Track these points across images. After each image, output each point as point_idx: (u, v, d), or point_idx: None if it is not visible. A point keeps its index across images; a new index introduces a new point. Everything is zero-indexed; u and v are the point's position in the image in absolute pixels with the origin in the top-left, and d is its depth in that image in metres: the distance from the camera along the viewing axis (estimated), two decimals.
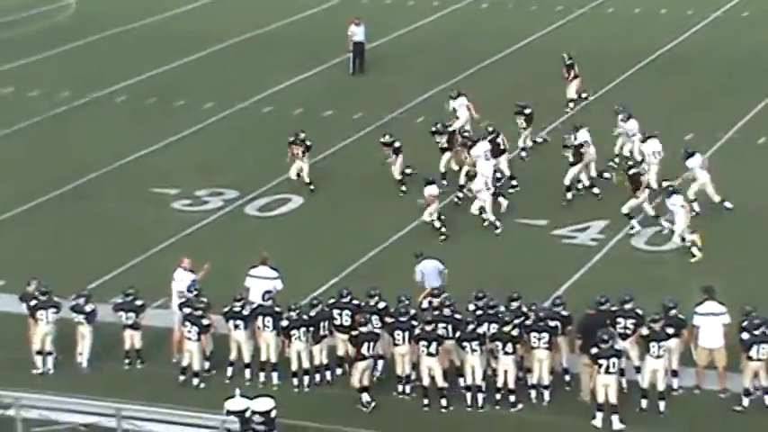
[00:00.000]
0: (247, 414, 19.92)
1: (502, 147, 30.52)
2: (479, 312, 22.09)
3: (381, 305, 22.45)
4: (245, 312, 22.64)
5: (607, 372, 20.81)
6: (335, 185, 31.35)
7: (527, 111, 32.50)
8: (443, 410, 21.71)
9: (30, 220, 29.89)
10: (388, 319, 22.19)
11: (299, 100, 37.38)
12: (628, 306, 22.01)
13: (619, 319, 21.91)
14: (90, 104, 38.09)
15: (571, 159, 29.70)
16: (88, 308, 23.09)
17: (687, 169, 28.93)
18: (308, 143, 30.48)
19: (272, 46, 43.60)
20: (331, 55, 41.19)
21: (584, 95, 36.42)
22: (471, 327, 21.70)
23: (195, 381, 22.65)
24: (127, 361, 23.20)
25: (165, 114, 37.10)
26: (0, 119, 36.52)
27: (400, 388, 22.15)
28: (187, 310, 22.61)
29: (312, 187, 30.44)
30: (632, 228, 28.15)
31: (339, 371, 22.71)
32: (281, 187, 31.18)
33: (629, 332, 21.84)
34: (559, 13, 46.77)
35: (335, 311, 22.52)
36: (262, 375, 22.59)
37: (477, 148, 29.77)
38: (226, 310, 22.71)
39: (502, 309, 22.05)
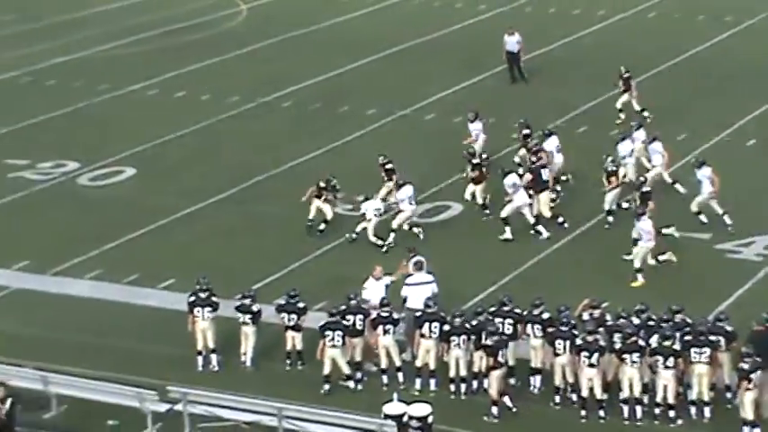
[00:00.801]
0: (405, 419, 20.16)
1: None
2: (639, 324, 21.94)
3: (545, 315, 22.45)
4: (396, 316, 22.87)
5: None
6: (496, 193, 31.36)
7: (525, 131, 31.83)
8: (601, 422, 21.61)
9: (197, 221, 30.65)
10: (550, 330, 22.21)
11: (461, 108, 37.51)
12: None
13: None
14: (257, 109, 38.93)
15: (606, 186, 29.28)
16: (254, 308, 23.62)
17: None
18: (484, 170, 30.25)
19: (434, 54, 43.87)
20: (493, 63, 41.25)
21: (645, 113, 35.60)
22: (632, 339, 21.54)
23: (351, 383, 22.97)
24: (288, 362, 23.63)
25: (328, 120, 37.69)
26: (172, 122, 37.59)
27: (557, 399, 22.14)
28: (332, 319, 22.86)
29: (487, 211, 30.13)
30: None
31: None
32: (442, 194, 31.37)
33: None
34: (727, 24, 45.95)
35: (497, 320, 22.58)
36: (418, 382, 22.76)
37: (549, 143, 30.49)
38: (374, 317, 22.92)
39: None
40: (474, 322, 22.52)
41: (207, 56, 44.49)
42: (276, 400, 21.16)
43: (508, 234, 28.67)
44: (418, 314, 22.80)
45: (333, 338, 22.63)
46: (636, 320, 22.08)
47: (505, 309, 22.65)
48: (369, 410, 20.80)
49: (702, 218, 28.76)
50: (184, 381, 22.15)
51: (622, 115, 35.73)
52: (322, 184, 29.34)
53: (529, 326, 22.50)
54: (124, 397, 21.61)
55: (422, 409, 20.28)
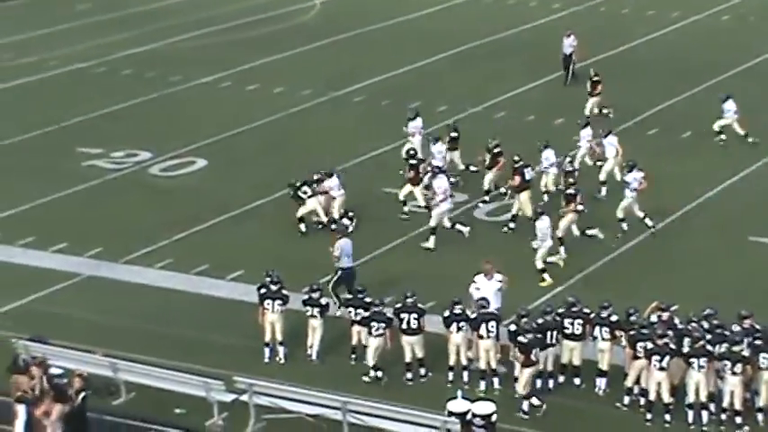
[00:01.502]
0: (468, 416, 20.17)
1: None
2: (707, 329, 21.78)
3: (614, 318, 22.34)
4: (471, 316, 22.85)
5: None
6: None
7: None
8: (666, 426, 21.48)
9: (267, 213, 30.81)
10: (618, 333, 22.11)
11: (532, 107, 37.43)
12: None
13: None
14: (329, 103, 39.12)
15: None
16: (321, 302, 23.75)
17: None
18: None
19: (507, 52, 43.80)
20: (558, 68, 41.04)
21: (605, 111, 36.21)
22: (700, 343, 21.38)
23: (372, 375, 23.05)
24: (353, 356, 23.74)
25: (398, 116, 37.68)
26: (244, 115, 37.88)
27: (626, 400, 22.03)
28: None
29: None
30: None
31: (561, 378, 22.73)
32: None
33: None
34: None
35: (566, 320, 22.51)
36: (482, 383, 22.69)
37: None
38: (447, 314, 22.94)
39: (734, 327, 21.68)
40: (540, 321, 22.47)
41: (280, 49, 44.78)
42: (341, 394, 21.26)
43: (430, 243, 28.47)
44: (474, 316, 22.75)
45: (377, 329, 22.79)
46: (705, 325, 21.91)
47: (574, 309, 22.57)
48: (431, 407, 20.83)
49: (624, 225, 28.62)
50: (250, 372, 22.34)
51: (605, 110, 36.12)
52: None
53: (597, 328, 22.40)
54: (191, 386, 21.80)
55: (486, 408, 20.27)
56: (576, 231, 28.23)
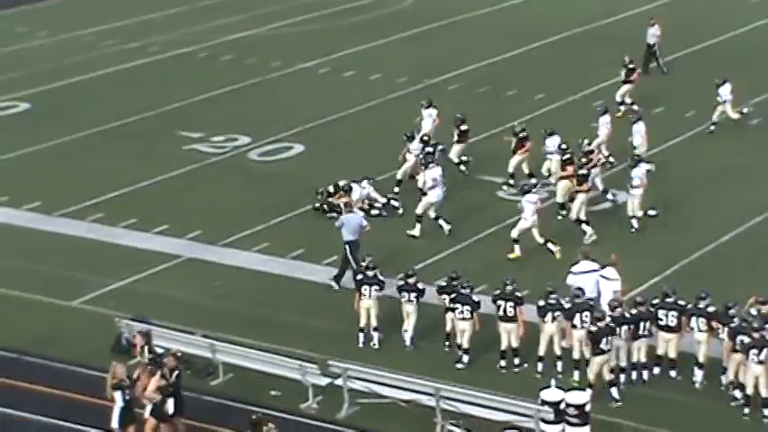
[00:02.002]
0: (562, 406, 20.19)
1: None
2: None
3: (711, 309, 22.15)
4: (566, 305, 22.82)
5: None
6: (668, 181, 31.11)
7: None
8: (765, 421, 21.29)
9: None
10: (715, 324, 21.94)
11: (632, 96, 37.07)
12: None
13: None
14: (424, 91, 39.13)
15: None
16: (418, 287, 23.87)
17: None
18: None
19: (603, 41, 43.45)
20: (664, 53, 40.66)
21: (628, 101, 35.71)
22: None
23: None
24: (447, 343, 23.84)
25: (495, 103, 37.71)
26: (341, 101, 38.13)
27: (738, 393, 21.76)
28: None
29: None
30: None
31: (657, 370, 22.62)
32: (608, 182, 31.12)
33: None
34: None
35: (661, 312, 22.37)
36: (576, 373, 22.65)
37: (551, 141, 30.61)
38: (541, 304, 22.93)
39: None
40: (633, 311, 22.38)
41: (377, 36, 44.97)
42: (434, 380, 21.40)
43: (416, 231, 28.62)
44: (568, 306, 22.70)
45: (462, 312, 22.92)
46: None
47: (669, 300, 22.43)
48: (524, 395, 20.89)
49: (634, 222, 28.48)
50: (345, 356, 22.59)
51: (622, 107, 35.66)
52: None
53: (693, 318, 22.23)
54: (287, 369, 22.15)
55: (580, 397, 20.25)
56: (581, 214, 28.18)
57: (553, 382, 20.67)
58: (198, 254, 28.31)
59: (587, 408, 20.14)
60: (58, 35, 46.52)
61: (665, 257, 27.07)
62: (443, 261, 27.14)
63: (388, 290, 24.11)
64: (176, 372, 20.36)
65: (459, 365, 23.09)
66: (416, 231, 28.62)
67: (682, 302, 22.38)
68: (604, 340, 21.72)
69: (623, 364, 22.41)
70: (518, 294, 23.03)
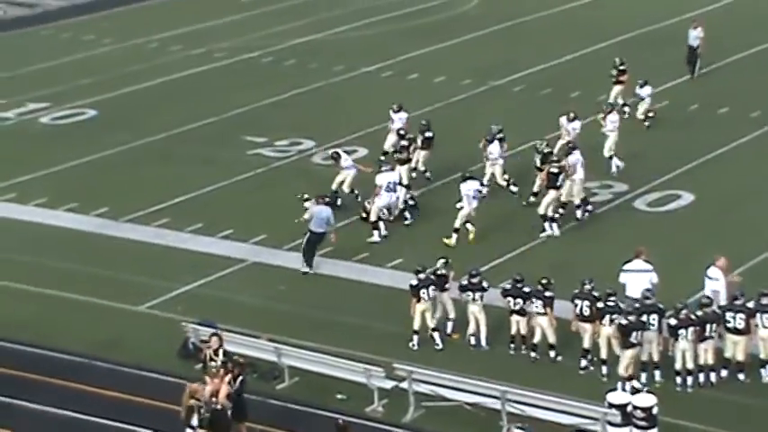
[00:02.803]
0: (629, 408, 20.07)
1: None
2: None
3: None
4: (623, 306, 22.66)
5: None
6: (727, 183, 30.81)
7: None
8: None
9: (426, 203, 30.80)
10: None
11: (694, 98, 36.82)
12: None
13: None
14: (488, 93, 39.15)
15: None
16: (482, 287, 23.86)
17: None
18: None
19: (661, 43, 43.09)
20: (721, 55, 40.23)
21: (620, 102, 35.37)
22: None
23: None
24: (512, 345, 23.81)
25: (558, 105, 37.47)
26: (405, 104, 37.86)
27: None
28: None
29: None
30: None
31: (724, 372, 22.40)
32: (672, 183, 30.95)
33: None
34: None
35: (728, 314, 22.18)
36: (643, 375, 22.54)
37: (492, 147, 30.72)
38: (601, 305, 22.79)
39: None
40: (700, 313, 22.18)
41: (441, 39, 44.98)
42: (500, 383, 21.35)
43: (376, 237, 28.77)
44: (637, 306, 22.54)
45: (537, 307, 23.02)
46: None
47: (737, 303, 22.20)
48: (589, 398, 20.78)
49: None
50: (409, 359, 22.61)
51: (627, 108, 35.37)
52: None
53: (758, 315, 21.98)
54: (352, 372, 22.21)
55: (647, 400, 20.14)
56: (550, 212, 28.44)
57: (619, 384, 20.54)
58: (263, 258, 28.48)
59: (654, 410, 20.03)
60: (124, 42, 47.06)
61: (733, 258, 26.72)
62: (506, 263, 27.06)
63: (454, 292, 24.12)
64: (240, 377, 20.47)
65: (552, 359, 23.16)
66: (376, 237, 28.88)
67: (750, 305, 22.14)
68: (634, 334, 21.61)
69: (690, 366, 22.23)
70: (595, 294, 22.90)
